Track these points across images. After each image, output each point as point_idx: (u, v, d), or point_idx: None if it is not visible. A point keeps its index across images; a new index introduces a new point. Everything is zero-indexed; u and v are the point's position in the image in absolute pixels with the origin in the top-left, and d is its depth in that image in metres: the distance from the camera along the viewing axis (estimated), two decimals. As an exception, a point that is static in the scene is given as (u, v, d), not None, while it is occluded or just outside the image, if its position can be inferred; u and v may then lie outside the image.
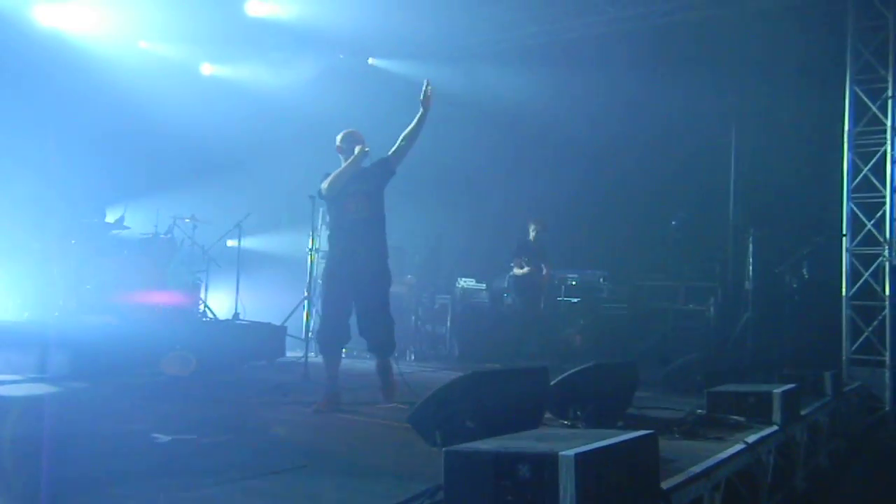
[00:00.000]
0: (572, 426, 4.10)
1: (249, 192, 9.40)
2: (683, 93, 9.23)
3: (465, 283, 10.21)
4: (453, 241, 10.52)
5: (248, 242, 8.12)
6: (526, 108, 10.52)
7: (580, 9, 9.86)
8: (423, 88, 4.98)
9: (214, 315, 7.72)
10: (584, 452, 2.26)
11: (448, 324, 10.11)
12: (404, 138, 5.08)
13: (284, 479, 2.98)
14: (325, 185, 4.97)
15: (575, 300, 9.34)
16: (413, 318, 9.56)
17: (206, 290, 7.80)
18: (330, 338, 4.96)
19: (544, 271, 8.70)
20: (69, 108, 8.80)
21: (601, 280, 9.54)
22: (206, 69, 11.58)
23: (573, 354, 8.95)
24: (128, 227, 7.52)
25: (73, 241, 6.69)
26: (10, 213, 6.99)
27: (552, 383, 4.23)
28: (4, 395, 2.74)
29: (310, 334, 7.01)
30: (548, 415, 4.27)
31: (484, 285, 10.11)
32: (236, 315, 7.67)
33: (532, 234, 8.99)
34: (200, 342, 6.59)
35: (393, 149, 5.10)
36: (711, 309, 8.17)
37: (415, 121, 5.05)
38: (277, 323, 7.63)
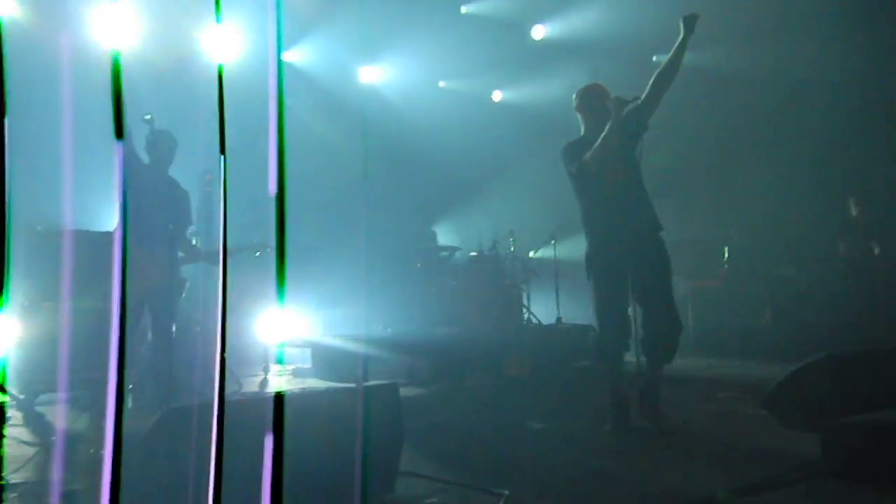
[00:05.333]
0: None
1: (556, 202, 10.02)
2: None
3: (783, 268, 9.71)
4: (764, 225, 10.06)
5: (562, 250, 8.66)
6: (820, 77, 9.68)
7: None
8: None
9: (539, 321, 8.38)
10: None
11: (768, 314, 9.73)
12: (658, 77, 4.00)
13: (649, 455, 3.31)
14: (589, 156, 4.02)
15: (918, 278, 8.39)
16: (727, 312, 9.37)
17: (529, 299, 8.49)
18: (612, 346, 4.08)
19: (876, 250, 8.01)
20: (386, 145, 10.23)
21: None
22: (497, 96, 12.48)
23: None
24: (459, 248, 8.55)
25: (418, 265, 7.76)
26: (365, 244, 8.31)
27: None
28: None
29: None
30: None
31: (805, 269, 9.52)
32: (559, 319, 8.24)
33: (855, 211, 8.35)
34: (530, 346, 7.25)
35: (643, 95, 4.04)
36: None
37: (672, 51, 3.96)
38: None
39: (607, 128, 4.01)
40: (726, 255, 9.75)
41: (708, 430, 4.07)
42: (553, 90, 11.73)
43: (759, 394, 4.53)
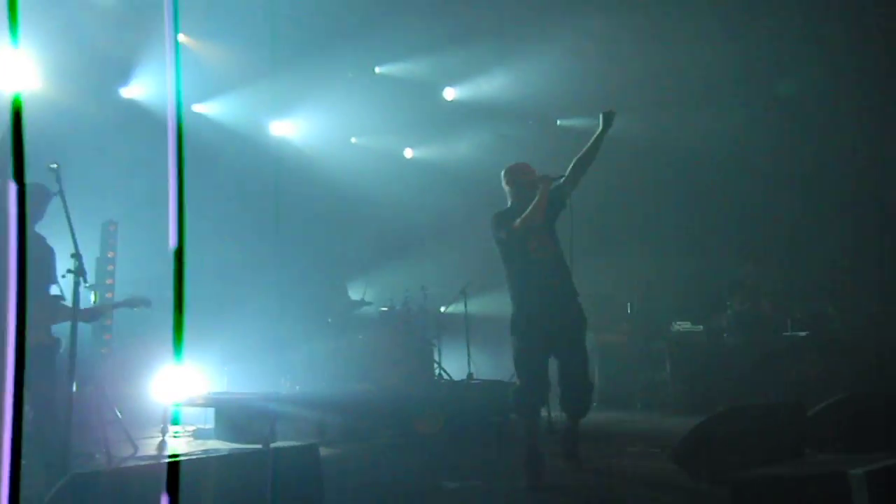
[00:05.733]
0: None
1: (467, 258, 10.17)
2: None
3: (681, 326, 10.15)
4: (663, 284, 10.53)
5: (473, 306, 8.75)
6: (715, 146, 10.44)
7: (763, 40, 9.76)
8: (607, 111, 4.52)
9: (450, 377, 8.37)
10: (876, 471, 2.39)
11: (668, 369, 10.08)
12: (579, 162, 4.52)
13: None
14: (518, 223, 4.42)
15: (803, 334, 8.95)
16: (632, 365, 9.67)
17: (440, 354, 8.49)
18: (530, 399, 4.40)
19: (765, 305, 8.51)
20: (299, 201, 10.20)
21: (829, 310, 9.07)
22: (409, 153, 12.64)
23: (807, 391, 8.55)
24: (370, 303, 8.48)
25: (329, 320, 7.65)
26: (274, 299, 8.14)
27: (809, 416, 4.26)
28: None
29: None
30: (807, 450, 4.28)
31: (701, 327, 9.98)
32: (470, 375, 8.25)
33: (745, 269, 8.87)
34: (442, 402, 7.21)
35: (565, 175, 4.55)
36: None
37: (592, 140, 4.50)
38: (507, 379, 8.09)
39: (537, 200, 4.41)
40: (629, 310, 10.11)
41: (623, 487, 4.13)
42: (463, 149, 12.03)
43: (666, 446, 4.71)
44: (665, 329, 10.10)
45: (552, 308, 4.43)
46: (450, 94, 11.44)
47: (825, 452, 4.21)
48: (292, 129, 11.12)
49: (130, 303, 4.97)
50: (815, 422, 4.29)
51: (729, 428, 3.77)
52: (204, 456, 2.47)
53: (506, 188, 4.73)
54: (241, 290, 8.17)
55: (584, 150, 4.53)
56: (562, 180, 4.53)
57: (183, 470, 2.46)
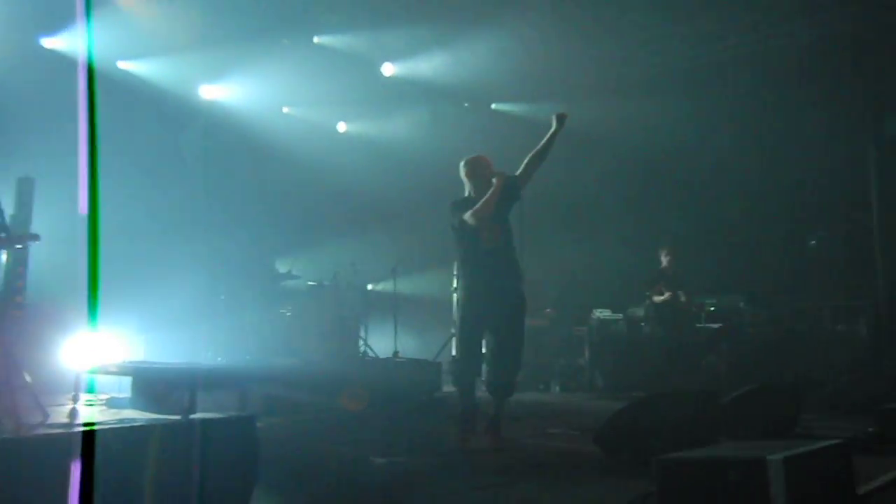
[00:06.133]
0: (748, 444, 4.29)
1: (398, 237, 10.13)
2: (810, 112, 9.28)
3: (601, 313, 10.45)
4: (586, 272, 10.79)
5: (402, 285, 8.74)
6: (647, 138, 10.73)
7: (699, 38, 10.09)
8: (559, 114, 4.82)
9: (376, 354, 8.36)
10: (793, 457, 2.53)
11: (586, 355, 10.39)
12: (532, 158, 4.83)
13: (502, 488, 3.40)
14: (469, 215, 4.70)
15: (716, 326, 9.37)
16: (553, 350, 9.90)
17: (367, 331, 8.46)
18: (466, 371, 4.81)
19: (682, 298, 8.84)
20: (228, 169, 9.95)
21: (741, 304, 9.52)
22: (342, 127, 12.46)
23: (718, 381, 8.97)
24: (298, 277, 8.36)
25: (255, 291, 7.50)
26: (198, 268, 7.91)
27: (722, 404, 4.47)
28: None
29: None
30: (720, 438, 4.49)
31: (620, 315, 10.31)
32: (395, 353, 8.27)
33: (665, 262, 9.16)
34: (367, 379, 7.21)
35: (519, 170, 4.86)
36: (864, 329, 8.03)
37: (545, 139, 4.80)
38: (431, 359, 8.17)
39: (489, 195, 4.72)
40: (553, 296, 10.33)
41: (547, 469, 4.22)
42: (397, 127, 11.93)
43: (586, 429, 4.87)
44: (586, 316, 10.39)
45: (496, 293, 4.73)
46: (388, 69, 11.29)
47: (736, 440, 4.43)
48: (223, 93, 10.76)
49: (16, 240, 4.26)
50: (727, 411, 4.50)
51: (649, 414, 3.92)
52: (131, 425, 2.40)
53: (464, 178, 4.98)
54: (164, 258, 7.89)
55: (538, 147, 4.83)
56: (515, 176, 4.82)
57: (107, 439, 2.38)
